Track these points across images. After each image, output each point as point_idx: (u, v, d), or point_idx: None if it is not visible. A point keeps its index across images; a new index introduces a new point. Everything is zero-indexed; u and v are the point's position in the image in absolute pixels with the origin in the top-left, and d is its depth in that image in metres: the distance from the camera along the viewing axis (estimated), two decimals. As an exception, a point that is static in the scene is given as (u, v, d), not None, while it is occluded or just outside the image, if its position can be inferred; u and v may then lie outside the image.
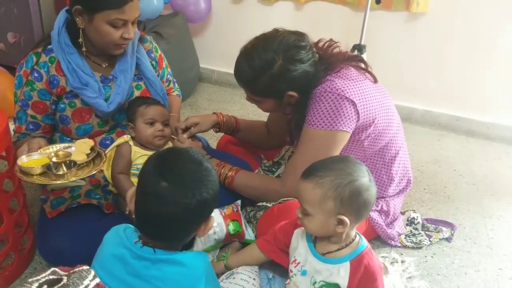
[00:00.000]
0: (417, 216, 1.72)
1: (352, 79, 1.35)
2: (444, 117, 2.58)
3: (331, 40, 1.45)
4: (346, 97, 1.30)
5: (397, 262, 1.55)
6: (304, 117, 1.38)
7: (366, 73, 1.42)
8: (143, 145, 1.46)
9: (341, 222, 1.03)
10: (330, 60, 1.38)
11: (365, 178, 1.03)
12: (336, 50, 1.44)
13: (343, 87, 1.31)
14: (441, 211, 1.89)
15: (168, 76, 1.74)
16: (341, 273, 1.07)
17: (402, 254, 1.61)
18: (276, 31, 1.35)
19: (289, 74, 1.31)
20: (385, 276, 1.45)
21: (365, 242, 1.11)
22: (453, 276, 1.55)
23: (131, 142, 1.45)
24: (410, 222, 1.71)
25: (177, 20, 2.62)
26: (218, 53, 2.97)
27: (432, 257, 1.62)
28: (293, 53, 1.30)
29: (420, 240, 1.65)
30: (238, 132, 1.74)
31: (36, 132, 1.47)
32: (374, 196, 1.05)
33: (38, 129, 1.47)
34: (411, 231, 1.69)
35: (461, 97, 2.52)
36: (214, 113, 1.70)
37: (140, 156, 1.44)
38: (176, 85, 1.84)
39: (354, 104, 1.31)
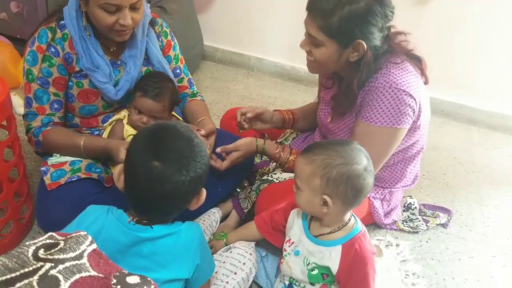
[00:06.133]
0: (413, 202, 1.73)
1: (412, 74, 1.29)
2: (447, 104, 2.56)
3: (403, 32, 1.35)
4: (410, 94, 1.25)
5: (392, 246, 1.57)
6: (352, 93, 1.30)
7: (422, 74, 1.36)
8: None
9: (325, 203, 1.03)
10: (394, 47, 1.30)
11: (359, 166, 1.02)
12: (404, 43, 1.34)
13: (405, 82, 1.25)
14: (439, 197, 1.89)
15: (178, 71, 1.61)
16: (333, 256, 1.08)
17: (397, 238, 1.62)
18: None
19: (371, 19, 1.19)
20: (379, 258, 1.47)
21: (359, 226, 1.11)
22: (447, 261, 1.56)
23: (125, 121, 1.45)
24: (407, 207, 1.72)
25: (182, -4, 2.58)
26: (223, 31, 2.93)
27: (427, 242, 1.64)
28: (383, 1, 1.20)
29: (417, 225, 1.66)
30: (295, 124, 1.66)
31: (60, 111, 1.42)
32: (368, 186, 1.04)
33: (61, 107, 1.42)
34: (408, 216, 1.71)
35: (465, 85, 2.50)
36: (276, 110, 1.61)
37: (130, 134, 1.43)
38: (195, 87, 1.68)
39: (415, 101, 1.27)
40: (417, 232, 1.66)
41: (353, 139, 1.32)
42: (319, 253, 1.10)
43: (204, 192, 1.00)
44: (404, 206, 1.72)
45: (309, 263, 1.12)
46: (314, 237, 1.12)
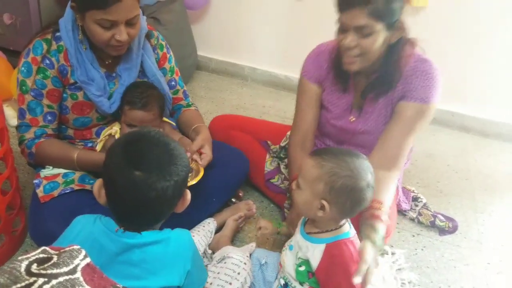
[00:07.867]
0: (422, 197, 1.85)
1: None
2: (439, 112, 2.57)
3: None
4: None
5: (387, 254, 1.56)
6: (397, 69, 1.38)
7: None
8: None
9: (322, 207, 1.06)
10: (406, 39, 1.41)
11: (363, 181, 1.04)
12: None
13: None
14: (433, 205, 1.89)
15: (174, 83, 1.62)
16: (315, 253, 1.10)
17: (392, 246, 1.62)
18: None
19: None
20: (375, 268, 1.47)
21: (351, 233, 1.13)
22: (442, 269, 1.56)
23: (117, 135, 1.44)
24: (414, 199, 1.84)
25: (175, 6, 2.59)
26: (217, 41, 2.95)
27: (422, 250, 1.64)
28: None
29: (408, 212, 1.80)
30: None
31: (54, 123, 1.41)
32: (367, 200, 1.07)
33: (55, 119, 1.42)
34: (411, 206, 1.81)
35: (457, 93, 2.53)
36: None
37: None
38: (190, 98, 1.69)
39: None
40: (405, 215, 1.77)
41: (399, 124, 1.42)
42: (305, 248, 1.13)
43: (188, 194, 0.99)
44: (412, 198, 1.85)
45: (298, 257, 1.15)
46: (306, 233, 1.15)
